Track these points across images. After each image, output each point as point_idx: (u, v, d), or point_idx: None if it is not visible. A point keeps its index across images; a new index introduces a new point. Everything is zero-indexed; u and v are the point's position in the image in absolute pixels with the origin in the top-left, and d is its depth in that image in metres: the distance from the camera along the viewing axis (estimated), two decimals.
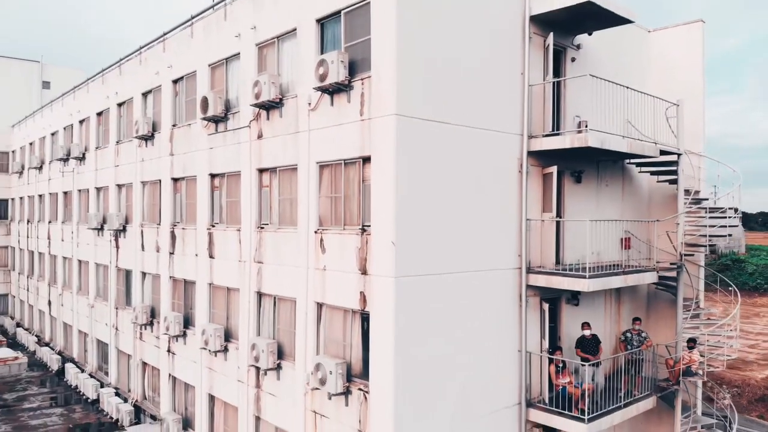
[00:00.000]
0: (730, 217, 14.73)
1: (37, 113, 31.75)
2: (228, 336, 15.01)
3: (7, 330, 34.98)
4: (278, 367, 13.11)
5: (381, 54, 10.49)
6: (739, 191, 14.66)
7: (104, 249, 22.26)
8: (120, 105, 21.19)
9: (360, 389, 11.03)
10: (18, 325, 34.54)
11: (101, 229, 22.33)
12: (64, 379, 24.85)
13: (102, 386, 21.93)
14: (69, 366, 24.85)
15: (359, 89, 11.00)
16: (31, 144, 32.59)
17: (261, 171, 13.96)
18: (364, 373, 11.09)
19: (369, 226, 10.89)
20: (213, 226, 15.74)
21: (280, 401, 13.12)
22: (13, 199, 36.58)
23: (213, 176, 15.77)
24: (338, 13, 11.55)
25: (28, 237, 33.09)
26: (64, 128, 26.90)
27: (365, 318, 11.08)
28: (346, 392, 11.25)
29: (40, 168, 30.21)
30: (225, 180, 15.32)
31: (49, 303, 29.21)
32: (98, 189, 23.11)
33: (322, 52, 12.01)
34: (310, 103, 12.18)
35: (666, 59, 16.39)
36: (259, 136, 13.82)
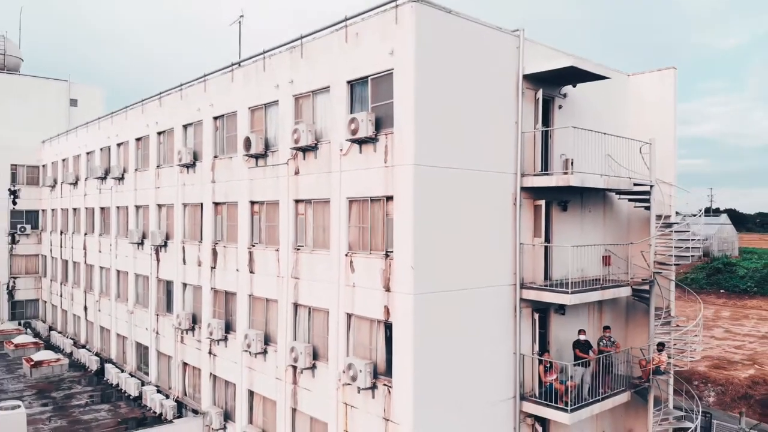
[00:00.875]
0: (693, 239, 17.26)
1: (71, 132, 34.31)
2: (267, 340, 17.59)
3: (40, 333, 37.53)
4: (313, 367, 15.69)
5: (402, 115, 13.08)
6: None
7: (145, 261, 24.83)
8: (160, 133, 23.77)
9: (384, 384, 13.61)
10: (51, 328, 37.09)
11: (141, 243, 24.93)
12: (105, 379, 27.39)
13: (143, 384, 24.49)
14: (108, 366, 27.40)
15: (383, 142, 13.60)
16: (64, 160, 35.17)
17: (297, 201, 16.55)
18: (388, 372, 13.66)
19: (392, 251, 13.47)
20: (253, 245, 18.33)
21: (315, 395, 15.70)
22: (44, 210, 39.17)
23: (253, 203, 18.36)
24: (366, 78, 14.13)
25: (61, 247, 35.67)
26: (101, 149, 29.48)
27: (388, 327, 13.66)
28: (373, 387, 13.82)
29: (75, 184, 32.78)
30: (264, 207, 17.91)
31: (85, 308, 31.78)
32: (137, 207, 25.69)
33: (351, 109, 14.60)
34: (341, 149, 14.77)
35: (642, 100, 18.99)
36: (296, 173, 16.41)
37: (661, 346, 16.90)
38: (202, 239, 20.91)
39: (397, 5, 13.09)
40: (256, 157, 17.78)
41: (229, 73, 19.22)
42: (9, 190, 38.95)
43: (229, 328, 19.46)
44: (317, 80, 15.60)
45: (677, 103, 18.84)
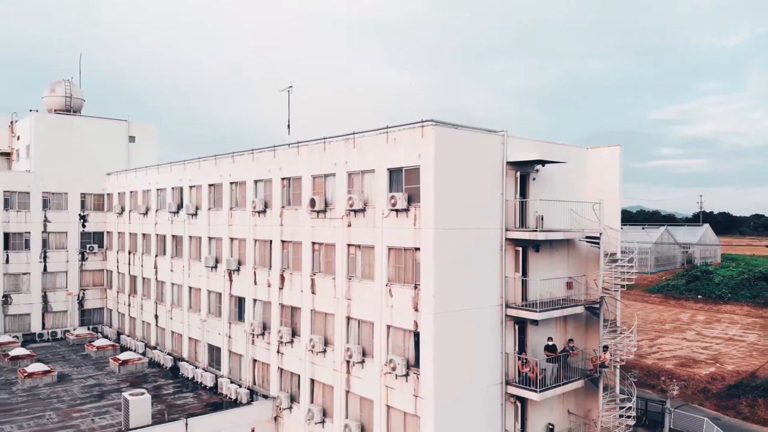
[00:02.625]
0: (629, 271, 24.19)
1: (140, 170, 41.36)
2: (326, 342, 24.58)
3: (108, 336, 44.54)
4: (362, 361, 22.68)
5: (426, 196, 20.08)
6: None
7: (218, 281, 31.88)
8: (233, 183, 30.81)
9: (414, 373, 20.59)
10: (119, 333, 44.11)
11: (215, 267, 31.97)
12: (180, 373, 34.37)
13: (217, 377, 31.47)
14: (182, 363, 34.40)
15: (413, 212, 20.60)
16: (132, 192, 42.22)
17: (349, 245, 23.56)
18: (416, 364, 20.62)
19: (419, 284, 20.46)
20: (314, 274, 25.35)
21: (364, 381, 22.69)
22: (109, 232, 46.25)
23: (314, 243, 25.38)
24: (401, 168, 21.15)
25: (129, 264, 42.72)
26: (173, 188, 36.51)
27: (416, 334, 20.64)
28: (406, 374, 20.81)
29: (146, 213, 39.81)
30: (323, 246, 24.93)
31: (156, 317, 38.82)
32: (210, 238, 32.74)
33: (390, 187, 21.60)
34: (383, 213, 21.79)
35: (597, 168, 25.99)
36: (349, 225, 23.43)
37: (605, 348, 23.86)
38: (271, 266, 27.94)
39: (423, 125, 20.12)
40: (318, 211, 24.81)
41: (296, 148, 26.27)
42: (79, 215, 46.05)
43: (294, 333, 26.48)
44: (365, 164, 22.63)
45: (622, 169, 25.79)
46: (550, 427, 23.82)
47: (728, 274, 73.20)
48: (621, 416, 24.30)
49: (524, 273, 22.82)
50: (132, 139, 48.51)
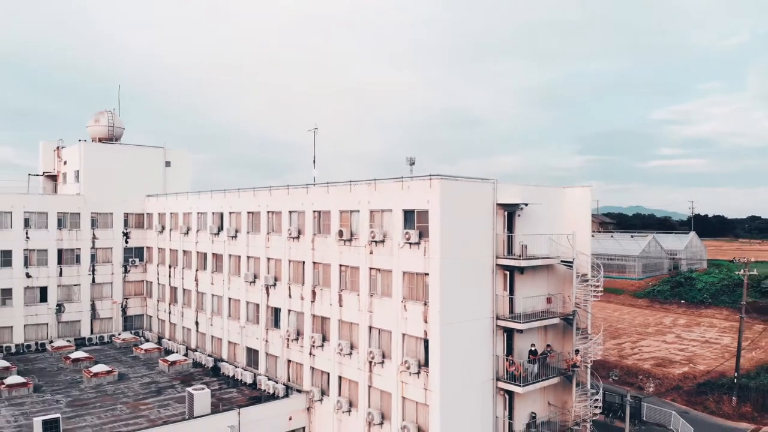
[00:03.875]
0: (597, 287, 29.88)
1: (180, 195, 47.18)
2: (351, 346, 30.33)
3: (150, 340, 50.32)
4: (382, 362, 28.43)
5: (433, 233, 25.83)
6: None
7: (256, 293, 37.65)
8: (269, 212, 36.60)
9: (424, 371, 26.34)
10: (159, 337, 49.90)
11: (253, 282, 37.76)
12: (221, 372, 40.12)
13: (255, 375, 37.22)
14: (223, 364, 40.17)
15: (423, 245, 26.36)
16: (172, 214, 48.03)
17: (371, 268, 29.32)
18: (426, 364, 26.37)
19: (428, 302, 26.20)
20: (341, 290, 31.12)
21: (383, 378, 28.43)
22: (149, 248, 52.07)
23: (341, 265, 31.15)
24: (413, 210, 26.92)
25: (170, 277, 48.54)
26: (213, 213, 42.30)
27: (426, 341, 26.38)
28: (418, 372, 26.56)
29: (187, 233, 45.61)
30: (349, 269, 30.70)
31: (197, 323, 44.62)
32: (249, 257, 38.52)
33: (404, 224, 27.35)
34: (399, 245, 27.54)
35: (572, 204, 31.72)
36: (371, 252, 29.20)
37: (577, 351, 29.58)
38: (304, 283, 33.73)
39: (431, 178, 25.89)
40: (344, 240, 30.59)
41: (326, 187, 32.07)
42: (123, 232, 51.90)
43: (324, 338, 32.25)
44: (385, 205, 28.41)
45: (591, 205, 31.45)
46: (533, 415, 29.53)
47: (710, 280, 78.80)
48: (593, 406, 30.04)
49: (511, 291, 28.54)
50: (168, 163, 54.34)
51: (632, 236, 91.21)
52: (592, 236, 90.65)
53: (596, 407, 30.23)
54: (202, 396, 30.56)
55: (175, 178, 54.08)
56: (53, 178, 56.27)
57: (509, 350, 28.68)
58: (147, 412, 32.63)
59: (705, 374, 50.85)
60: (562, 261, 29.78)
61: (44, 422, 25.93)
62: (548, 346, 29.97)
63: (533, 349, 28.88)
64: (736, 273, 52.58)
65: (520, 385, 27.15)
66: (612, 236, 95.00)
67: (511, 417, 28.48)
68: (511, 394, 28.30)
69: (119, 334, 51.04)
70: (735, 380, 46.00)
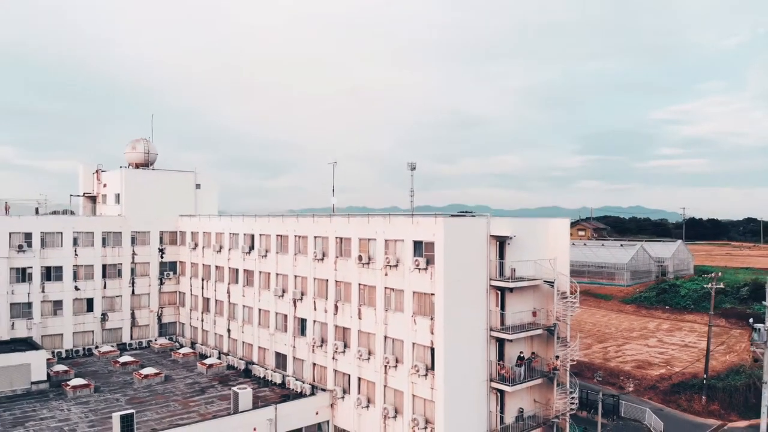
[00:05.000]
0: (573, 303, 35.79)
1: (213, 217, 53.24)
2: (369, 352, 36.31)
3: (184, 345, 56.29)
4: (395, 365, 34.42)
5: (438, 260, 31.82)
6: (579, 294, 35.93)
7: (284, 306, 43.66)
8: (297, 236, 42.61)
9: (431, 373, 32.31)
10: (193, 342, 55.89)
11: (282, 295, 43.76)
12: (252, 374, 46.07)
13: (284, 377, 43.17)
14: (254, 366, 46.15)
15: (430, 270, 32.36)
16: (205, 233, 54.06)
17: (386, 288, 35.31)
18: (432, 368, 32.33)
19: (434, 317, 32.18)
20: (360, 305, 37.12)
21: (397, 378, 34.41)
22: (182, 262, 58.10)
23: (360, 284, 37.14)
24: (422, 241, 32.92)
25: (203, 289, 54.55)
26: (244, 234, 48.31)
27: (432, 349, 32.36)
28: (426, 374, 32.54)
29: (220, 250, 51.63)
30: (366, 287, 36.68)
31: (228, 330, 50.62)
32: (278, 274, 44.51)
33: (414, 252, 33.32)
34: (410, 269, 33.54)
35: (554, 233, 37.64)
36: (386, 274, 35.20)
37: (557, 357, 35.52)
38: (327, 298, 39.73)
39: (436, 216, 31.88)
40: (363, 263, 36.57)
41: (346, 218, 38.08)
42: (158, 248, 57.96)
43: (345, 345, 38.23)
44: (397, 235, 34.40)
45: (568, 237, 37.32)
46: (521, 409, 35.45)
47: (693, 287, 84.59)
48: (570, 402, 35.98)
49: (502, 307, 34.48)
50: (198, 186, 60.41)
51: (622, 245, 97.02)
52: (584, 245, 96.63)
53: (573, 403, 36.18)
54: (245, 394, 36.55)
55: (205, 199, 60.16)
56: (93, 198, 62.31)
57: (501, 356, 34.61)
58: (196, 408, 38.63)
59: (680, 375, 56.72)
60: (545, 281, 35.72)
61: (122, 417, 31.90)
62: (533, 353, 35.90)
63: (521, 355, 34.82)
64: (706, 286, 58.36)
65: (509, 385, 33.10)
66: (603, 245, 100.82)
67: (502, 411, 34.42)
68: (502, 392, 34.20)
69: (156, 340, 57.06)
70: (704, 381, 51.89)
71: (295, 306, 42.82)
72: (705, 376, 52.22)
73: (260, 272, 46.73)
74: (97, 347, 53.90)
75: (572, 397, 36.55)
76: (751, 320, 36.14)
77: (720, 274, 62.32)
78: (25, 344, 46.70)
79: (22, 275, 51.19)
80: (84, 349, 53.68)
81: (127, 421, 32.04)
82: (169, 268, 58.60)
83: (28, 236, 51.29)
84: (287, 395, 40.89)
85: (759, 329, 32.11)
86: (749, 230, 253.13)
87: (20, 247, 50.78)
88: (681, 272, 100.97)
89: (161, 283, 58.20)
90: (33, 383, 42.28)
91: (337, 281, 39.15)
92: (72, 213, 62.10)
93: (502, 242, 34.76)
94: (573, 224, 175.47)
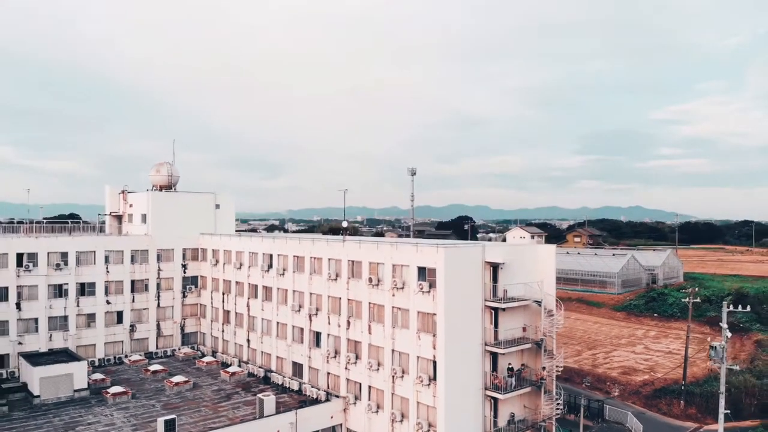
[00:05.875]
0: (559, 320, 40.61)
1: (233, 236, 58.11)
2: (378, 363, 41.15)
3: (205, 354, 61.09)
4: (402, 376, 39.28)
5: (439, 284, 36.68)
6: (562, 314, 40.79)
7: (300, 319, 48.52)
8: (312, 258, 47.45)
9: (433, 383, 37.16)
10: (213, 351, 60.72)
11: (299, 310, 48.61)
12: (271, 381, 50.88)
13: (300, 384, 47.98)
14: (272, 374, 50.97)
15: (432, 292, 37.23)
16: (226, 251, 58.92)
17: (393, 307, 40.17)
18: (434, 378, 37.18)
19: (436, 333, 37.03)
20: (370, 322, 41.96)
21: (403, 387, 39.25)
22: (203, 276, 62.98)
23: (370, 303, 41.99)
24: (425, 267, 37.78)
25: (223, 302, 59.42)
26: (263, 254, 53.17)
27: (434, 362, 37.21)
28: (429, 384, 37.39)
29: (240, 267, 56.49)
30: (376, 306, 41.54)
31: (248, 340, 55.47)
32: (295, 291, 49.36)
33: (418, 277, 38.18)
34: (414, 291, 38.39)
35: (541, 257, 42.45)
36: (393, 295, 40.05)
37: (544, 368, 40.33)
38: (340, 314, 44.58)
39: (437, 247, 36.72)
40: (373, 284, 41.43)
41: (358, 243, 42.93)
42: (182, 264, 62.85)
43: (357, 357, 43.07)
44: (404, 261, 39.26)
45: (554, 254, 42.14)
46: (512, 414, 40.27)
47: (680, 296, 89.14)
48: (557, 408, 40.80)
49: (496, 324, 39.29)
50: (217, 206, 65.31)
51: (614, 254, 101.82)
52: (578, 254, 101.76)
53: (558, 408, 41.01)
54: (269, 401, 41.40)
55: (223, 218, 65.07)
56: (119, 217, 67.20)
57: (494, 367, 39.42)
58: (225, 413, 43.48)
59: (662, 381, 61.53)
60: (533, 300, 40.55)
61: (165, 422, 36.73)
62: (523, 364, 40.72)
63: (511, 366, 39.67)
64: (683, 300, 63.16)
65: (502, 393, 37.92)
66: (596, 254, 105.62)
67: (495, 416, 39.23)
68: (495, 399, 39.00)
69: (179, 349, 61.93)
70: (683, 387, 56.70)
71: (310, 320, 47.69)
72: (683, 382, 57.02)
73: (278, 289, 51.59)
74: (126, 356, 58.77)
75: (558, 403, 41.36)
76: (709, 338, 40.88)
77: (697, 289, 67.12)
78: (66, 355, 51.56)
79: (59, 291, 56.06)
80: (114, 357, 58.54)
81: (169, 426, 36.88)
82: (191, 282, 63.47)
83: (64, 255, 56.16)
84: (304, 401, 45.71)
85: (716, 347, 36.84)
86: (744, 234, 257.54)
87: (57, 265, 55.65)
88: (671, 279, 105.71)
89: (184, 296, 63.08)
90: (75, 391, 47.12)
91: (349, 299, 44.00)
92: (85, 225, 66.94)
93: (495, 267, 39.58)
94: (569, 231, 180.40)
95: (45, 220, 76.90)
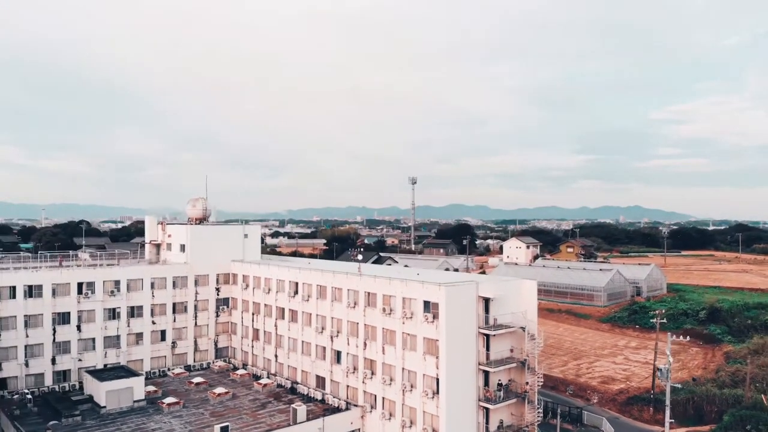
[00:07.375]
0: (535, 339, 49.38)
1: (262, 264, 66.97)
2: (391, 379, 49.97)
3: (237, 367, 69.84)
4: (411, 389, 48.10)
5: (441, 315, 45.50)
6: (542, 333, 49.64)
7: (323, 339, 57.33)
8: (333, 288, 56.28)
9: (436, 396, 45.98)
10: (244, 365, 69.51)
11: (321, 332, 57.45)
12: (297, 392, 59.61)
13: (323, 395, 56.73)
14: (298, 386, 59.72)
15: (435, 322, 46.06)
16: (255, 277, 67.78)
17: (403, 333, 48.99)
18: (437, 392, 45.98)
19: (438, 356, 45.85)
20: (384, 344, 50.78)
21: (412, 398, 48.06)
22: (234, 298, 71.85)
23: (383, 328, 50.82)
24: (429, 301, 46.61)
25: (253, 321, 68.26)
26: (290, 281, 62.00)
27: (437, 379, 46.03)
28: (433, 396, 46.22)
29: (268, 292, 65.32)
30: (388, 331, 50.36)
31: (276, 356, 64.28)
32: (317, 315, 58.20)
33: (424, 309, 47.01)
34: (421, 321, 47.22)
35: (525, 291, 51.25)
36: (403, 323, 48.89)
37: (527, 383, 49.10)
38: (358, 336, 53.40)
39: (440, 285, 45.55)
40: (386, 313, 50.26)
41: (373, 278, 51.77)
42: (215, 288, 71.74)
43: (372, 373, 51.90)
44: (412, 295, 48.09)
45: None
46: (501, 421, 49.05)
47: (662, 308, 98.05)
48: (540, 415, 49.60)
49: (488, 348, 48.05)
50: (246, 236, 74.20)
51: (601, 269, 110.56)
52: (568, 268, 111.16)
53: (539, 415, 49.85)
54: (301, 410, 50.24)
55: (250, 246, 73.95)
56: (157, 246, 76.06)
57: (486, 383, 48.22)
58: (263, 420, 52.28)
59: (636, 390, 70.23)
60: (519, 327, 49.34)
61: (221, 428, 45.52)
62: (510, 379, 49.51)
63: (500, 381, 48.48)
64: (652, 321, 71.59)
65: (492, 404, 46.71)
66: (584, 269, 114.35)
67: (487, 423, 48.01)
68: (487, 409, 47.74)
69: (214, 362, 70.80)
70: (652, 395, 65.45)
71: (332, 340, 56.50)
72: (652, 391, 65.79)
73: (303, 312, 60.42)
74: (169, 369, 67.64)
75: (539, 412, 50.16)
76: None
77: (663, 311, 75.72)
78: (124, 370, 60.37)
79: (112, 314, 64.93)
80: (159, 371, 67.40)
81: None
82: (223, 303, 72.34)
83: (117, 283, 65.05)
84: (327, 409, 54.50)
85: (661, 369, 45.57)
86: (735, 239, 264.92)
87: (111, 292, 64.53)
88: (655, 291, 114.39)
89: (217, 316, 71.93)
90: (135, 401, 55.92)
91: (365, 324, 52.82)
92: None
93: (487, 300, 48.38)
94: (562, 242, 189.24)
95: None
